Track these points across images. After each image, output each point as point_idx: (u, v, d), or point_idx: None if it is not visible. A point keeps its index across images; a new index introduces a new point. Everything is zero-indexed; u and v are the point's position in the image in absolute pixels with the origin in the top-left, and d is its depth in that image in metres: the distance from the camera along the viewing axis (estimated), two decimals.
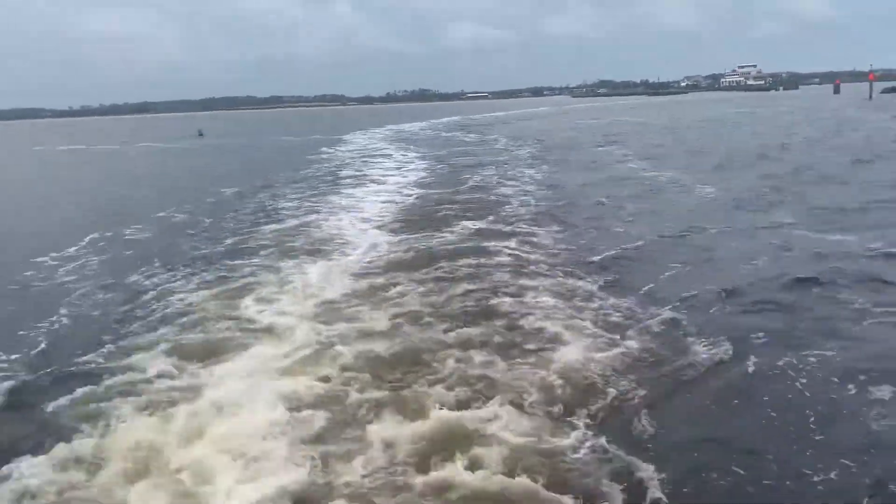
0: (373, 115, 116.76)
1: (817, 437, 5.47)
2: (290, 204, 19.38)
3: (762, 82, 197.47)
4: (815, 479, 4.90)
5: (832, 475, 4.92)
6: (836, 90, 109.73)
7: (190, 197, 21.65)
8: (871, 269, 9.92)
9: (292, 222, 16.34)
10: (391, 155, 35.72)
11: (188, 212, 18.78)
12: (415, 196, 20.12)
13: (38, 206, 23.52)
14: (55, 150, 58.97)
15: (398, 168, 28.99)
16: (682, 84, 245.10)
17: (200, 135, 67.97)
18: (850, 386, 6.26)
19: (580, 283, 9.97)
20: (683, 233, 13.31)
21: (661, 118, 63.79)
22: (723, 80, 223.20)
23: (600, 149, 34.23)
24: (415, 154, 35.49)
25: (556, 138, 43.51)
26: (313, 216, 17.10)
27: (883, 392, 6.05)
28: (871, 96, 79.94)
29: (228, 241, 14.34)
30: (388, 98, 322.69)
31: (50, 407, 6.53)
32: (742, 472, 5.03)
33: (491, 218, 15.48)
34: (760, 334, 7.59)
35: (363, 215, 17.04)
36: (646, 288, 9.57)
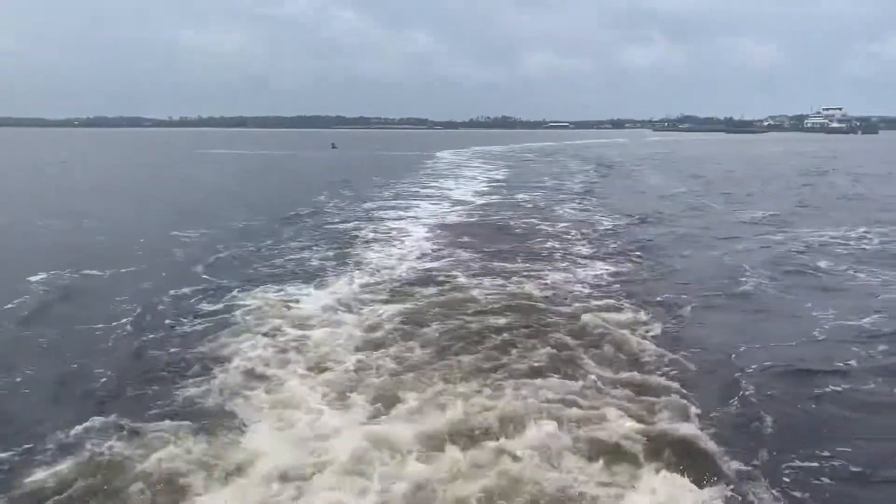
0: (459, 138, 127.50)
1: None
2: (422, 191, 29.54)
3: (844, 125, 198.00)
4: None
5: None
6: None
7: (355, 181, 32.35)
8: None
9: (414, 200, 26.43)
10: (476, 166, 45.79)
11: (355, 189, 29.25)
12: (492, 190, 30.02)
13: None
14: (225, 153, 71.34)
15: (483, 172, 39.04)
16: (765, 123, 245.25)
17: (334, 147, 79.67)
18: None
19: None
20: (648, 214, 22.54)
21: (693, 150, 72.15)
22: (806, 121, 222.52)
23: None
24: (495, 165, 45.57)
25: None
26: (432, 193, 27.23)
27: None
28: None
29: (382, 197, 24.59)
30: (472, 124, 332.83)
31: None
32: None
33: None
34: None
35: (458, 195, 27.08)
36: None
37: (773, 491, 5.18)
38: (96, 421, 6.24)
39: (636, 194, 27.75)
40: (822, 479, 5.41)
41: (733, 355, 8.12)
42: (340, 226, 18.35)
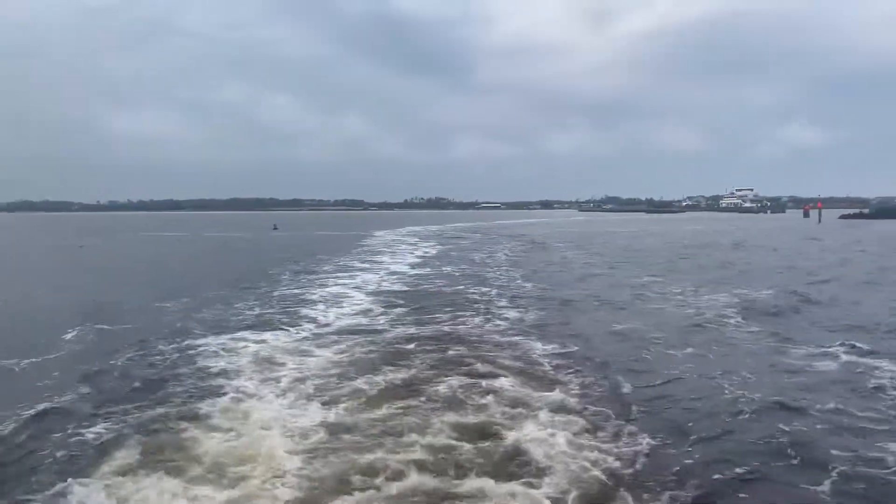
0: (394, 219, 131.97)
1: None
2: (360, 265, 32.52)
3: (755, 205, 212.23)
4: None
5: None
6: (806, 214, 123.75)
7: (301, 258, 35.02)
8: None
9: (355, 272, 29.34)
10: (411, 243, 49.19)
11: (301, 266, 31.95)
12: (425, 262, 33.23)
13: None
14: (162, 236, 72.80)
15: (417, 248, 42.38)
16: (684, 204, 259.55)
17: (275, 228, 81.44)
18: None
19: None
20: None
21: (601, 226, 78.00)
22: (721, 201, 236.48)
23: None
24: (429, 242, 49.12)
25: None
26: (368, 267, 30.22)
27: None
28: (819, 220, 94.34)
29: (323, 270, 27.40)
30: (406, 205, 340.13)
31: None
32: None
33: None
34: None
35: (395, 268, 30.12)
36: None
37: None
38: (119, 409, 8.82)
39: (552, 265, 31.42)
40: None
41: (606, 367, 11.27)
42: (291, 292, 21.00)
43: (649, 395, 9.58)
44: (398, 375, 10.44)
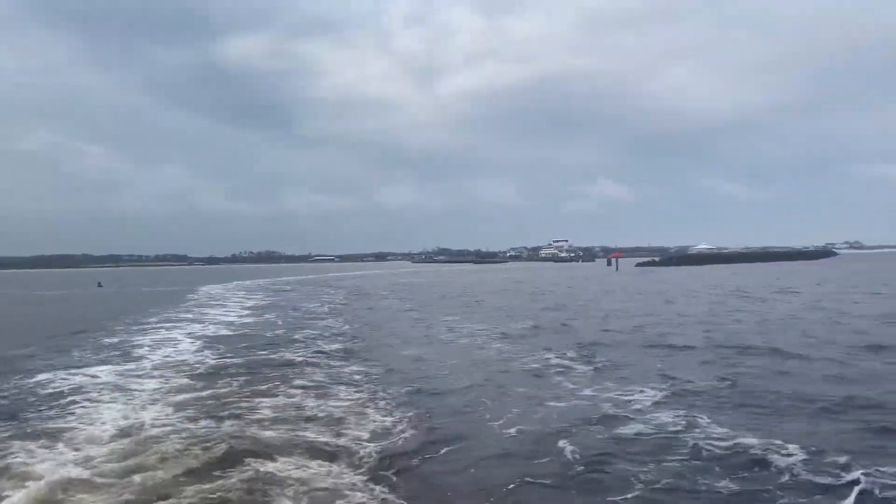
0: (221, 274, 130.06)
1: None
2: (188, 316, 34.15)
3: (570, 255, 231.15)
4: None
5: None
6: (609, 263, 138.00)
7: (130, 313, 35.80)
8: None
9: (175, 326, 31.21)
10: (239, 297, 50.87)
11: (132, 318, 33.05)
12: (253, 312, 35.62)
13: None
14: None
15: (244, 302, 44.32)
16: (507, 254, 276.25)
17: (100, 285, 79.41)
18: None
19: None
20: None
21: (426, 277, 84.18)
22: (541, 252, 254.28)
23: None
24: (257, 295, 51.12)
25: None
26: (194, 318, 32.14)
27: None
28: (616, 268, 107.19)
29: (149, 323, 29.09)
30: (235, 259, 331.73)
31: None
32: None
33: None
34: None
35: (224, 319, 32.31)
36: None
37: None
38: None
39: (372, 311, 35.02)
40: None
41: (392, 378, 14.84)
42: (122, 339, 22.79)
43: (421, 389, 13.32)
44: (219, 389, 13.53)
